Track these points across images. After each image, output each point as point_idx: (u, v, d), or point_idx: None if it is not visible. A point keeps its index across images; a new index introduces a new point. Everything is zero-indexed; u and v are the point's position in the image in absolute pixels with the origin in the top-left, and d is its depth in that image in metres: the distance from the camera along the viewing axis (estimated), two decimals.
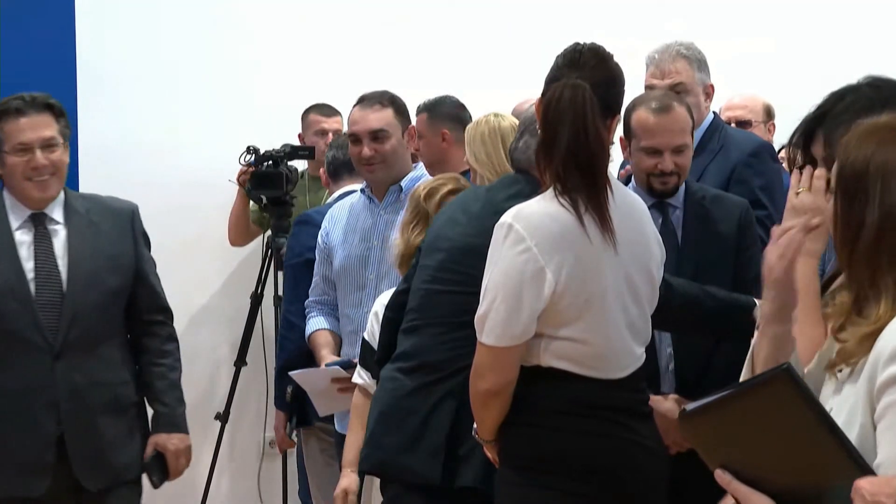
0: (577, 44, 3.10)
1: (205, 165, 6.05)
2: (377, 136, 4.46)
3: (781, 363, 2.05)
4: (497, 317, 2.99)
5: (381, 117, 4.49)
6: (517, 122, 3.75)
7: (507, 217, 3.02)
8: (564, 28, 5.12)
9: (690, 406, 2.10)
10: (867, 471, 1.95)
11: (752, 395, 2.03)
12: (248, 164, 5.61)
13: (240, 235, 5.97)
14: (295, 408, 4.84)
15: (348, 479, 3.88)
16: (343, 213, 4.63)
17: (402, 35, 6.37)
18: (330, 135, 5.77)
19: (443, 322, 3.41)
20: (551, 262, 2.97)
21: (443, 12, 6.49)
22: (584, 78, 3.01)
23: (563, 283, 2.98)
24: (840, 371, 2.10)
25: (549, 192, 3.04)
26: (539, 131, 3.08)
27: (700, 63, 4.39)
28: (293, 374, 4.53)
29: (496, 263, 3.01)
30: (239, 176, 5.71)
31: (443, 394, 3.37)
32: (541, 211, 3.01)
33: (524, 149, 3.40)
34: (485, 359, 3.04)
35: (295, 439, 5.06)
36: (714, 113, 4.44)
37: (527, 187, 3.30)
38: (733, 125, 5.29)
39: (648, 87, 4.31)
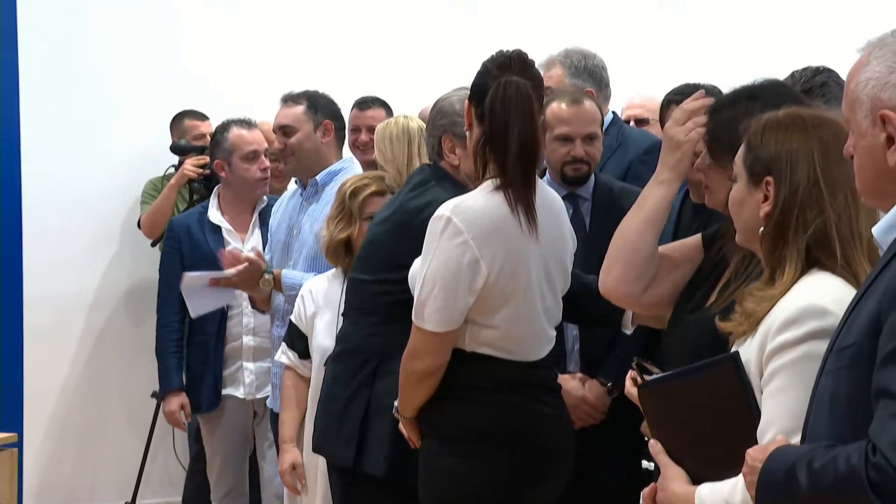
0: (503, 50, 3.20)
1: (144, 161, 6.18)
2: (284, 131, 4.67)
3: (732, 351, 2.24)
4: (435, 304, 3.10)
5: (288, 113, 4.68)
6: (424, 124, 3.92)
7: (444, 210, 3.10)
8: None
9: (650, 378, 2.34)
10: None
11: (699, 376, 2.23)
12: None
13: (161, 228, 5.89)
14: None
15: (291, 454, 4.07)
16: (282, 202, 4.82)
17: (332, 37, 6.57)
18: (207, 137, 5.86)
19: (357, 310, 3.61)
20: (486, 255, 3.09)
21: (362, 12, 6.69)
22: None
23: (495, 275, 3.11)
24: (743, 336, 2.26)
25: (488, 185, 3.14)
26: (486, 125, 3.13)
27: (577, 69, 4.57)
28: (188, 274, 4.67)
29: (434, 254, 3.10)
30: (188, 166, 5.76)
31: (360, 382, 3.54)
32: (477, 205, 3.11)
33: (427, 144, 3.59)
34: (422, 342, 3.15)
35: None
36: (613, 112, 4.62)
37: (432, 176, 3.50)
38: (632, 123, 5.50)
39: None
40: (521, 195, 3.12)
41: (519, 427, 3.20)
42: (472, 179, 3.44)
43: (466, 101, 3.24)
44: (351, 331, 3.64)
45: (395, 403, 3.32)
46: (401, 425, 3.33)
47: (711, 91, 3.64)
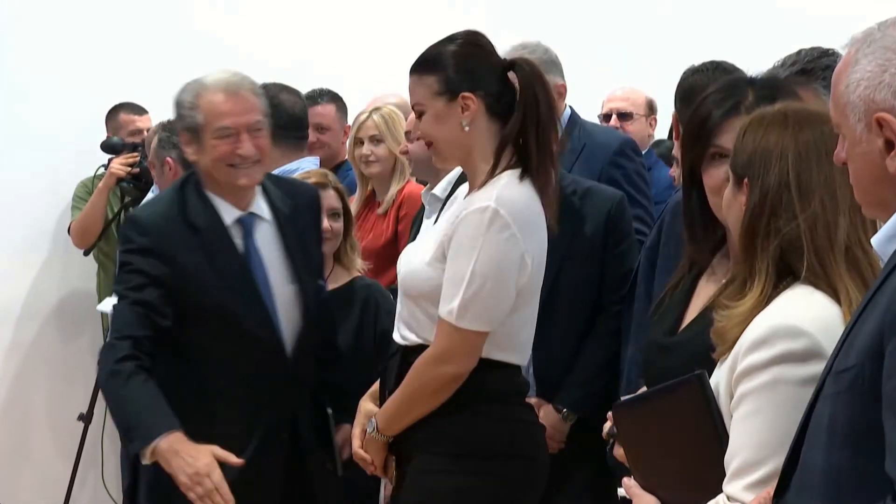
0: (460, 31, 3.15)
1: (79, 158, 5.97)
2: None
3: (697, 370, 2.16)
4: (486, 302, 2.98)
5: None
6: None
7: (488, 201, 2.98)
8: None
9: (623, 399, 2.33)
10: None
11: (666, 397, 2.18)
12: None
13: (94, 235, 5.77)
14: None
15: None
16: None
17: (332, 38, 6.49)
18: (144, 133, 5.71)
19: None
20: (529, 249, 3.02)
21: None
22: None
23: (532, 271, 3.03)
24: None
25: (511, 175, 3.03)
26: (521, 112, 3.03)
27: (550, 64, 4.36)
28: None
29: (480, 249, 2.98)
30: (116, 166, 5.61)
31: None
32: (517, 195, 3.01)
33: None
34: (458, 344, 3.02)
35: None
36: (570, 108, 4.41)
37: None
38: (614, 118, 5.41)
39: None
40: (549, 183, 3.06)
41: (525, 441, 3.14)
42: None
43: (468, 94, 3.05)
44: None
45: (373, 420, 3.14)
46: (361, 447, 3.17)
47: (728, 69, 3.62)
